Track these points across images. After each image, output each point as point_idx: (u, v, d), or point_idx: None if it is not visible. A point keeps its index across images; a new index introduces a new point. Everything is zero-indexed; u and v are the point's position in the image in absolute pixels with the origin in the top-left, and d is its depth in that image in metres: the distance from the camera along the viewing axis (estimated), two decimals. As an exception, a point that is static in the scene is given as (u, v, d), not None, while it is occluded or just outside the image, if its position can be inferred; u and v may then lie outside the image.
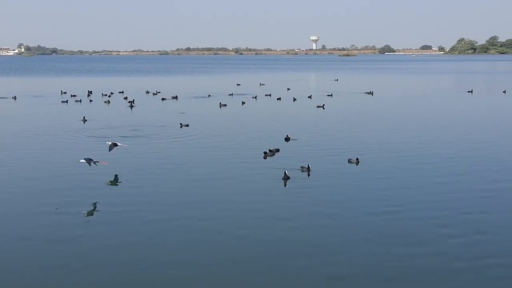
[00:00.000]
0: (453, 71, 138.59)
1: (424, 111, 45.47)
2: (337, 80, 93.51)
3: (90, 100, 53.94)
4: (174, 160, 24.90)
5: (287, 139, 30.09)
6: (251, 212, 17.08)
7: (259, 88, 73.20)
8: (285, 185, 20.03)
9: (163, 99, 55.47)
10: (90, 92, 61.15)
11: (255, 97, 57.18)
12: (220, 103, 49.81)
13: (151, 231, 15.48)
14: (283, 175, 20.63)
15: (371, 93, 62.36)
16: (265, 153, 25.50)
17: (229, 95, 60.65)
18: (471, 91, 64.66)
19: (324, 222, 16.15)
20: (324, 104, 47.63)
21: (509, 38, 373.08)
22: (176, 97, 56.83)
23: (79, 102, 52.23)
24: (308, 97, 56.89)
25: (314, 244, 14.45)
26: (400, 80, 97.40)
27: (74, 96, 57.44)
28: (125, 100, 53.77)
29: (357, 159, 23.99)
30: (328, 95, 59.42)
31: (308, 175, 21.51)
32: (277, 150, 26.53)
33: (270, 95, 59.14)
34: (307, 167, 21.98)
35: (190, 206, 17.69)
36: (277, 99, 55.28)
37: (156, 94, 61.53)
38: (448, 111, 45.31)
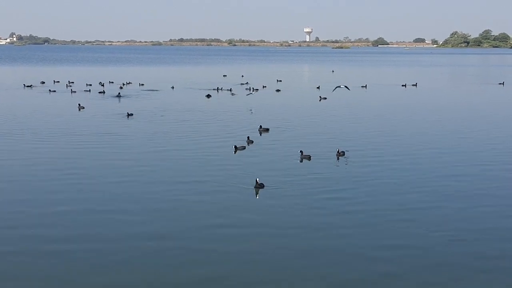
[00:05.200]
0: (462, 64, 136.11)
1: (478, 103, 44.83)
2: (333, 71, 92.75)
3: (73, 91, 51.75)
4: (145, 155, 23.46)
5: (262, 130, 28.41)
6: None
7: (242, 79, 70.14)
8: (256, 194, 17.49)
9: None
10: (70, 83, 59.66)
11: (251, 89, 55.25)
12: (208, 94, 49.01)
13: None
14: (255, 184, 17.88)
15: (415, 85, 60.80)
16: (235, 147, 23.76)
17: (241, 84, 60.19)
18: (503, 83, 64.35)
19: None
20: (326, 97, 45.93)
21: (502, 32, 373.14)
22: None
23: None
24: (317, 87, 55.91)
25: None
26: (420, 73, 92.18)
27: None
28: (121, 89, 52.77)
29: (342, 152, 22.52)
30: (362, 86, 58.30)
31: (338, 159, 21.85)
32: (251, 142, 25.21)
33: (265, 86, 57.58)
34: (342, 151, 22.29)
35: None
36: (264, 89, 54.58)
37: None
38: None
